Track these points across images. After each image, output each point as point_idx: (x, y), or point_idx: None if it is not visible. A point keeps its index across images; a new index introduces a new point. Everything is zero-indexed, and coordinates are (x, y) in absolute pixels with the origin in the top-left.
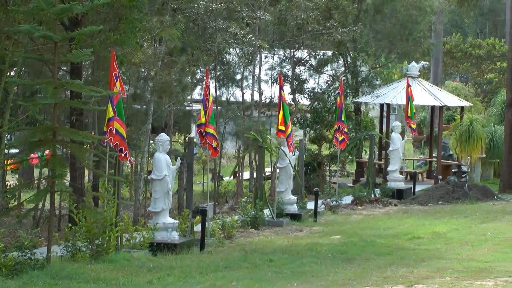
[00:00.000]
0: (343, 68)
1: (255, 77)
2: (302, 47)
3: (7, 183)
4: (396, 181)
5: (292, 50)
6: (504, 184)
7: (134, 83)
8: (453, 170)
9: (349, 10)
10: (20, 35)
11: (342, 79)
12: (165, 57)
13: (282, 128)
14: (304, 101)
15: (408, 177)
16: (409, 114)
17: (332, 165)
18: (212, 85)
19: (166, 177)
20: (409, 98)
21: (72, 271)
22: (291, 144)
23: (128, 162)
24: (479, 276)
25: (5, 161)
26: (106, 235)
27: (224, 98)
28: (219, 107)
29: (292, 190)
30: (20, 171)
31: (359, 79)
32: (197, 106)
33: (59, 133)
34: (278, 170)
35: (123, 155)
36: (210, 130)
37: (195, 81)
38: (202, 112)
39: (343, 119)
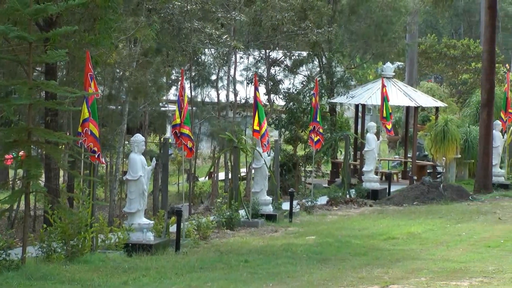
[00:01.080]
0: (318, 69)
1: (230, 77)
2: (277, 48)
3: None
4: (371, 182)
5: (267, 51)
6: (479, 185)
7: (109, 84)
8: (428, 171)
9: (324, 10)
10: None
11: (317, 79)
12: (140, 58)
13: (258, 128)
14: (279, 101)
15: (383, 177)
16: (384, 115)
17: (307, 166)
18: (187, 85)
19: (141, 177)
20: (384, 98)
21: (47, 272)
22: (265, 144)
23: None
24: (454, 277)
25: None
26: (81, 236)
27: (199, 99)
28: (194, 108)
29: (267, 190)
30: None
31: (334, 79)
32: (172, 107)
33: (34, 133)
34: (253, 171)
35: (96, 156)
36: (185, 130)
37: (170, 81)
38: (177, 113)
39: (318, 119)
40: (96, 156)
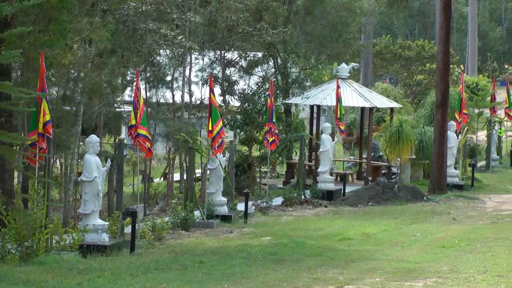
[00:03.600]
0: (273, 70)
1: (185, 78)
2: (232, 49)
3: None
4: (326, 182)
5: (222, 52)
6: (433, 185)
7: (64, 85)
8: (383, 171)
9: (279, 11)
10: None
11: (272, 80)
12: (95, 59)
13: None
14: (235, 102)
15: (338, 178)
16: (339, 116)
17: (263, 167)
18: (142, 86)
19: (96, 178)
20: (339, 99)
21: (1, 273)
22: (215, 147)
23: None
24: (409, 277)
25: None
26: (36, 237)
27: (154, 100)
28: (149, 109)
29: (222, 191)
30: None
31: (289, 80)
32: (127, 108)
33: None
34: (208, 172)
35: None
36: (143, 131)
37: (125, 82)
38: (133, 114)
39: (273, 120)
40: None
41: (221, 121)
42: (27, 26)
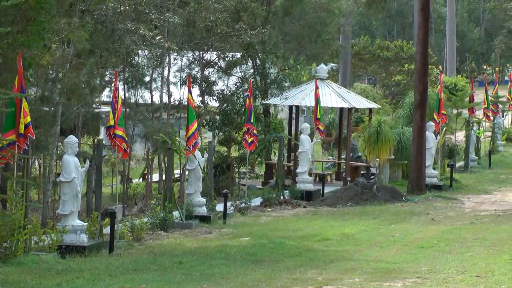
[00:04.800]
0: (252, 70)
1: (164, 79)
2: (211, 49)
3: None
4: (305, 183)
5: (201, 52)
6: (412, 186)
7: (42, 85)
8: (361, 172)
9: (258, 12)
10: None
11: (251, 81)
12: (74, 59)
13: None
14: (213, 103)
15: (317, 178)
16: (318, 116)
17: (241, 167)
18: (120, 87)
19: (75, 179)
20: (318, 100)
21: None
22: (190, 147)
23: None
24: (388, 277)
25: None
26: (14, 238)
27: (132, 100)
28: (128, 109)
29: (201, 192)
30: None
31: (268, 81)
32: (106, 108)
33: None
34: (187, 172)
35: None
36: (120, 132)
37: (103, 83)
38: (111, 115)
39: (252, 121)
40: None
41: (196, 123)
42: (5, 26)
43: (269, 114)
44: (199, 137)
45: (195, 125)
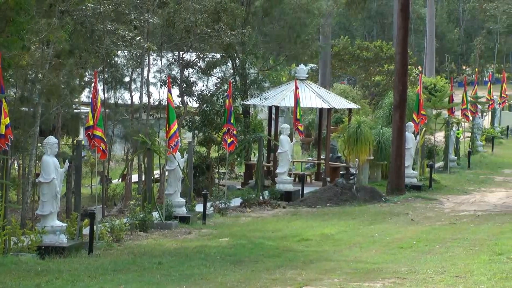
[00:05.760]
0: (231, 71)
1: (144, 79)
2: (190, 50)
3: None
4: (285, 183)
5: (180, 53)
6: (391, 186)
7: (22, 86)
8: (341, 172)
9: (238, 12)
10: None
11: (231, 81)
12: (53, 60)
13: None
14: (193, 103)
15: (297, 179)
16: (297, 117)
17: (221, 168)
18: (100, 87)
19: (54, 180)
20: (298, 100)
21: None
22: (172, 146)
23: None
24: (367, 278)
25: None
26: None
27: (112, 101)
28: (107, 110)
29: (181, 192)
30: None
31: (247, 81)
32: (85, 109)
33: None
34: (167, 173)
35: None
36: (99, 132)
37: (83, 83)
38: (91, 115)
39: (232, 121)
40: None
41: (177, 123)
42: None
43: (249, 115)
44: (179, 138)
45: (176, 125)
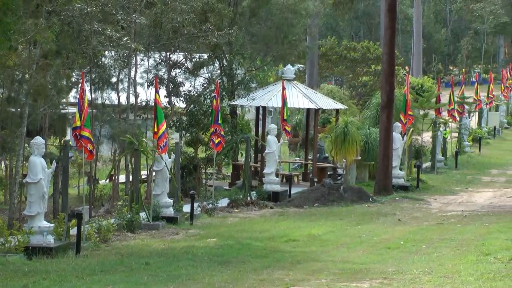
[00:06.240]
0: (219, 71)
1: (131, 80)
2: (178, 50)
3: None
4: (272, 184)
5: (168, 53)
6: (379, 186)
7: (9, 86)
8: (328, 173)
9: (225, 13)
10: None
11: (218, 82)
12: (40, 60)
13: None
14: (180, 104)
15: (284, 179)
16: (285, 117)
17: (208, 168)
18: (87, 88)
19: (41, 180)
20: (285, 101)
21: None
22: (161, 146)
23: None
24: (355, 278)
25: None
26: None
27: (99, 101)
28: (94, 110)
29: (168, 193)
30: None
31: (235, 82)
32: (72, 109)
33: None
34: (154, 173)
35: None
36: (86, 133)
37: (70, 84)
38: (78, 115)
39: (219, 122)
40: None
41: (165, 123)
42: None
43: (236, 115)
44: (168, 138)
45: (164, 125)
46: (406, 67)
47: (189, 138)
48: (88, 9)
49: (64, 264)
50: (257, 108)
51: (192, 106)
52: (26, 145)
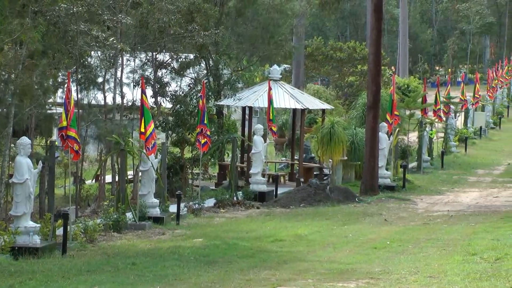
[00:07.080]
0: (205, 71)
1: (117, 80)
2: (164, 50)
3: None
4: (259, 184)
5: (154, 53)
6: (365, 186)
7: None
8: (315, 173)
9: (211, 13)
10: None
11: (204, 82)
12: (26, 60)
13: (144, 131)
14: (166, 104)
15: (270, 179)
16: (271, 117)
17: (195, 168)
18: (73, 88)
19: (27, 180)
20: (271, 101)
21: None
22: (149, 148)
23: None
24: (341, 278)
25: None
26: None
27: (85, 101)
28: (80, 110)
29: (154, 193)
30: None
31: (221, 82)
32: (58, 109)
33: None
34: (140, 173)
35: None
36: (72, 133)
37: (56, 84)
38: (64, 115)
39: (205, 122)
40: None
41: (153, 123)
42: None
43: (222, 115)
44: (155, 139)
45: (152, 126)
46: (392, 67)
47: (175, 138)
48: (74, 9)
49: (50, 264)
50: (243, 108)
51: (178, 106)
52: (12, 145)
